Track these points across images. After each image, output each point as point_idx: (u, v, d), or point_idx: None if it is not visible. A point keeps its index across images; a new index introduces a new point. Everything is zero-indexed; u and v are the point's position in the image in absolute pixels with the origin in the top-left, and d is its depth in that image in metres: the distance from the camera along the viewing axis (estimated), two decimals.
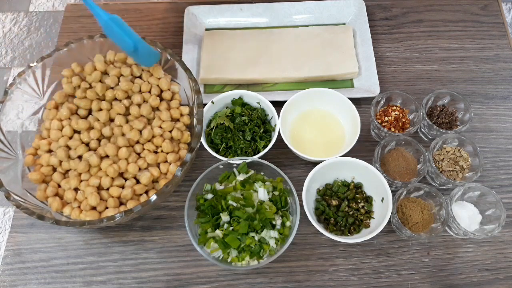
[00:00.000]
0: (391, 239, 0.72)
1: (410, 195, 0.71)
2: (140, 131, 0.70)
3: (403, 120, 0.77)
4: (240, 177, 0.69)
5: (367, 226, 0.69)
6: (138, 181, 0.68)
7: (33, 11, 1.89)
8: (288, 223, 0.66)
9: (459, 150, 0.74)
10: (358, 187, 0.72)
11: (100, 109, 0.72)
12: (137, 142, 0.70)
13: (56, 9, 1.90)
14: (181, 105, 0.75)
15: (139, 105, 0.73)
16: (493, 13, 0.95)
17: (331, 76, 0.85)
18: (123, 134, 0.70)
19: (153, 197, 0.62)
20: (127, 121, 0.72)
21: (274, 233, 0.64)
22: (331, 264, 0.70)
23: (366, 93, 0.81)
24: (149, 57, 0.71)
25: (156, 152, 0.70)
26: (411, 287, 0.69)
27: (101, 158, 0.68)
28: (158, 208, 0.74)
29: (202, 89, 0.85)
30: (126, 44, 0.66)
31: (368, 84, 0.83)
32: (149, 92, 0.74)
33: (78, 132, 0.71)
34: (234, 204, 0.65)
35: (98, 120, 0.71)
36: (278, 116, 0.74)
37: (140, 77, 0.76)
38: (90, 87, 0.74)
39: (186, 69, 0.72)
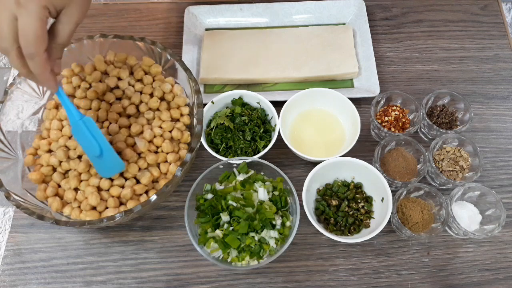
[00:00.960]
0: (391, 239, 0.72)
1: (410, 195, 0.71)
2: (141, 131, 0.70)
3: (403, 120, 0.77)
4: (240, 177, 0.69)
5: (367, 226, 0.69)
6: (138, 181, 0.68)
7: None
8: (288, 223, 0.66)
9: (459, 150, 0.74)
10: (358, 187, 0.72)
11: (99, 109, 0.72)
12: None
13: None
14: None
15: (137, 106, 0.73)
16: (493, 13, 0.95)
17: (331, 76, 0.85)
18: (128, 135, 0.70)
19: (153, 197, 0.62)
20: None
21: (274, 233, 0.64)
22: (331, 264, 0.70)
23: (366, 93, 0.81)
24: (111, 167, 0.66)
25: (156, 152, 0.70)
26: (411, 287, 0.69)
27: None
28: (158, 208, 0.74)
29: (202, 89, 0.85)
30: (92, 148, 0.63)
31: (368, 84, 0.83)
32: (151, 94, 0.74)
33: None
34: (234, 204, 0.65)
35: (98, 120, 0.71)
36: (278, 116, 0.74)
37: (140, 80, 0.76)
38: (90, 87, 0.74)
39: (186, 69, 0.72)
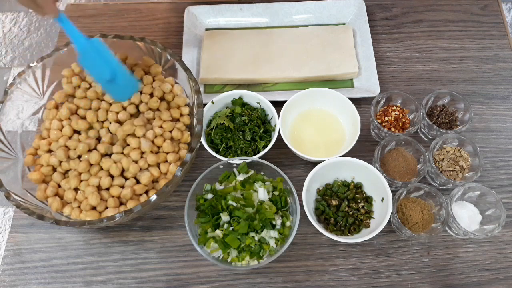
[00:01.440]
0: (391, 239, 0.72)
1: (410, 195, 0.71)
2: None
3: (403, 120, 0.77)
4: (240, 177, 0.69)
5: (367, 226, 0.69)
6: (138, 181, 0.68)
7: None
8: (288, 223, 0.66)
9: (459, 150, 0.74)
10: (358, 187, 0.72)
11: (99, 109, 0.72)
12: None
13: None
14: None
15: (137, 106, 0.73)
16: (493, 13, 0.95)
17: (331, 76, 0.85)
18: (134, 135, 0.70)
19: (153, 197, 0.62)
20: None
21: (274, 233, 0.64)
22: (331, 264, 0.70)
23: (366, 93, 0.81)
24: (126, 88, 0.65)
25: (156, 152, 0.70)
26: (411, 287, 0.69)
27: (102, 156, 0.68)
28: (158, 208, 0.74)
29: (202, 89, 0.85)
30: (103, 72, 0.61)
31: (368, 84, 0.83)
32: (151, 94, 0.74)
33: (78, 132, 0.71)
34: (234, 204, 0.65)
35: (98, 121, 0.71)
36: (278, 116, 0.74)
37: (140, 80, 0.76)
38: (90, 87, 0.74)
39: (186, 69, 0.72)
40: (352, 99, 0.76)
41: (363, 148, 0.77)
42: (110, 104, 0.72)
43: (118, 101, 0.66)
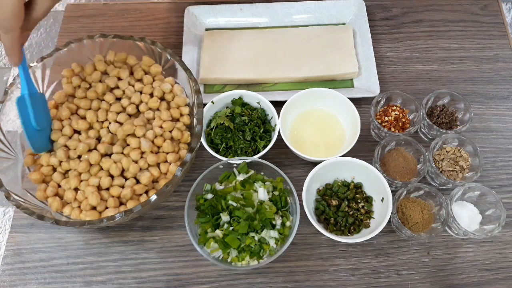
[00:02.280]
0: (391, 239, 0.72)
1: (410, 195, 0.71)
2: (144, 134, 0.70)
3: (403, 120, 0.77)
4: (240, 177, 0.69)
5: (367, 226, 0.69)
6: (138, 181, 0.68)
7: None
8: (288, 223, 0.66)
9: (459, 150, 0.74)
10: (358, 187, 0.72)
11: (99, 109, 0.72)
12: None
13: (56, 9, 1.90)
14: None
15: (137, 106, 0.73)
16: (493, 13, 0.95)
17: (331, 76, 0.85)
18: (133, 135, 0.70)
19: (153, 197, 0.62)
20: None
21: (274, 233, 0.64)
22: (331, 264, 0.70)
23: (366, 93, 0.81)
24: (45, 144, 0.69)
25: (156, 152, 0.70)
26: (411, 287, 0.69)
27: (102, 156, 0.68)
28: (158, 208, 0.74)
29: (202, 89, 0.85)
30: (29, 124, 0.65)
31: (368, 84, 0.83)
32: (151, 94, 0.74)
33: (78, 132, 0.71)
34: (234, 204, 0.65)
35: (98, 121, 0.71)
36: (278, 116, 0.74)
37: (140, 80, 0.76)
38: (90, 87, 0.74)
39: (186, 69, 0.72)
40: (352, 99, 0.76)
41: (363, 148, 0.77)
42: (110, 104, 0.73)
43: (31, 149, 0.67)
